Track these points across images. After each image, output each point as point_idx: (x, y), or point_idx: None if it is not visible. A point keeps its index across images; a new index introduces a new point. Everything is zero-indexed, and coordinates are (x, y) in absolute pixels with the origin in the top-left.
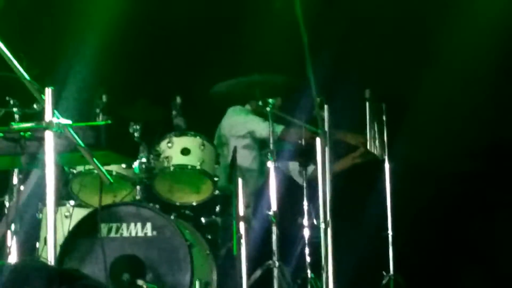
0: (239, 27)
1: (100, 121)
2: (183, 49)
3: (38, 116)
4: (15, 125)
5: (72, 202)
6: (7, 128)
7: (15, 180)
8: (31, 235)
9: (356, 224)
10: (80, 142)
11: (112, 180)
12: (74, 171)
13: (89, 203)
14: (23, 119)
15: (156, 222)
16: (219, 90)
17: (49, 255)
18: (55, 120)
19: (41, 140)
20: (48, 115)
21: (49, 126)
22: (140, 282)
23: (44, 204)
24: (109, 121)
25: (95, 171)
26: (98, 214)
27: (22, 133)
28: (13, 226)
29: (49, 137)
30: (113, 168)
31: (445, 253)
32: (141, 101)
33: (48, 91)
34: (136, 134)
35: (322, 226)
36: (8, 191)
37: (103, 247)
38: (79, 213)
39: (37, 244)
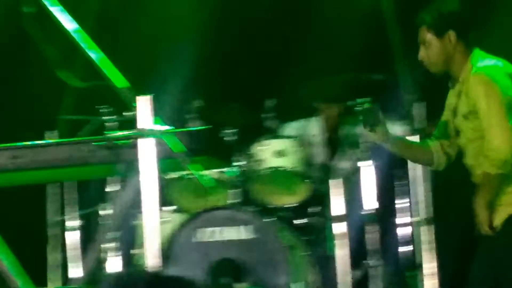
0: (327, 26)
1: (195, 126)
2: (272, 51)
3: (134, 123)
4: (110, 134)
5: (168, 208)
6: (103, 137)
7: (111, 188)
8: (129, 242)
9: (457, 224)
10: (176, 148)
11: (207, 185)
12: (170, 177)
13: (185, 208)
14: (119, 127)
15: (252, 225)
16: (309, 90)
17: (150, 262)
18: (150, 127)
19: (137, 147)
20: (144, 122)
21: (144, 133)
22: (239, 286)
23: (141, 211)
24: (205, 127)
25: (191, 176)
26: (197, 219)
27: (118, 141)
28: (112, 234)
29: (145, 144)
30: (208, 172)
31: None
32: (233, 105)
33: (145, 98)
34: (229, 138)
35: (422, 224)
36: (104, 200)
37: (203, 252)
38: (176, 219)
39: (136, 251)
